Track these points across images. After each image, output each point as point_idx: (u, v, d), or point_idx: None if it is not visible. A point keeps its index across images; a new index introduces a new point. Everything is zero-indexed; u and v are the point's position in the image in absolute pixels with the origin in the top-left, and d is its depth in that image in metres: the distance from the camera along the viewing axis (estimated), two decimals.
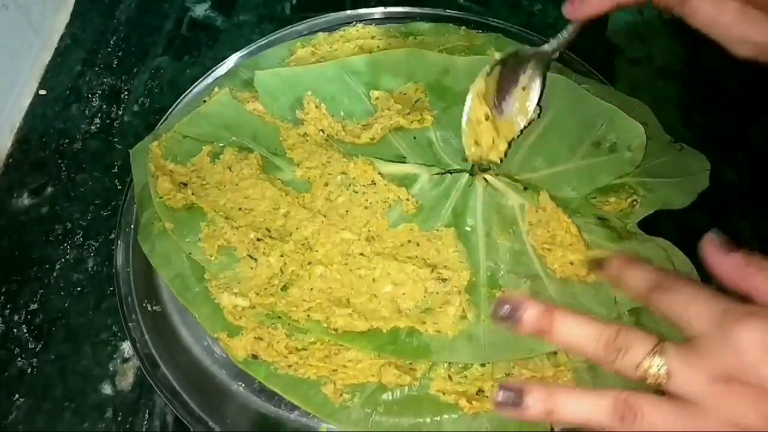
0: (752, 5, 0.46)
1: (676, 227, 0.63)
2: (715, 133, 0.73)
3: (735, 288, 0.40)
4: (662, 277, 0.42)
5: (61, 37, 0.86)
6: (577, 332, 0.41)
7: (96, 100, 0.80)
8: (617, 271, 0.45)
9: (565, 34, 0.57)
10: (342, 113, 0.66)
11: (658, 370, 0.37)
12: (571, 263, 0.56)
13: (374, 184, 0.60)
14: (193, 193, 0.60)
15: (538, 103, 0.60)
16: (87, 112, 0.79)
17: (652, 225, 0.60)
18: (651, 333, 0.39)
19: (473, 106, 0.59)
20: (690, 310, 0.39)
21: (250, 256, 0.57)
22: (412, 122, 0.64)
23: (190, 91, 0.72)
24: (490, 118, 0.59)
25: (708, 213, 0.66)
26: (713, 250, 0.41)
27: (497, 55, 0.60)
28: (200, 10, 0.88)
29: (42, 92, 0.81)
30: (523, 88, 0.59)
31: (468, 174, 0.61)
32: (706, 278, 0.56)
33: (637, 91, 0.69)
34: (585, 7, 0.52)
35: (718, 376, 0.36)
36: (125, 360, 0.62)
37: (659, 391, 0.38)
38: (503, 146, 0.61)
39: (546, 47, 0.59)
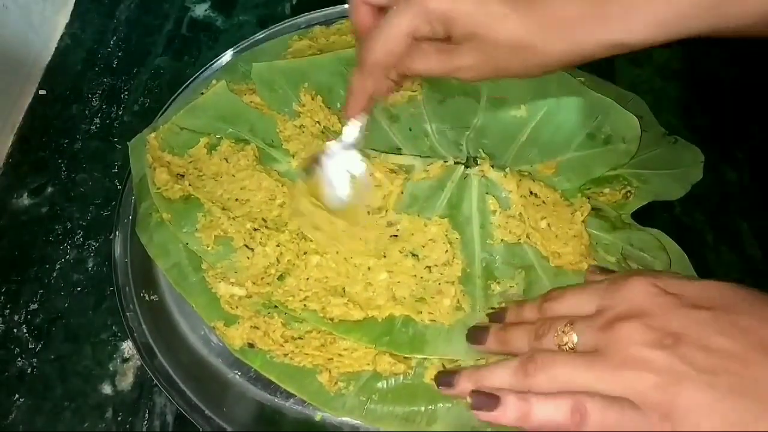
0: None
1: (676, 227, 0.64)
2: (715, 133, 0.73)
3: None
4: (545, 295, 0.49)
5: (61, 37, 0.86)
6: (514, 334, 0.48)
7: (96, 100, 0.80)
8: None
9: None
10: (339, 105, 0.66)
11: (570, 337, 0.43)
12: (566, 248, 0.56)
13: (369, 174, 0.60)
14: (190, 184, 0.60)
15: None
16: (87, 112, 0.79)
17: (651, 224, 0.60)
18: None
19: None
20: (582, 297, 0.46)
21: (246, 246, 0.57)
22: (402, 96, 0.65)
23: (188, 84, 0.73)
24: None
25: (708, 213, 0.67)
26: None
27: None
28: (200, 10, 0.88)
29: (42, 92, 0.81)
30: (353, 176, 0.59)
31: (463, 166, 0.61)
32: (699, 271, 0.56)
33: (637, 91, 0.69)
34: (357, 104, 0.54)
35: (607, 323, 0.42)
36: (125, 360, 0.62)
37: None
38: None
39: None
